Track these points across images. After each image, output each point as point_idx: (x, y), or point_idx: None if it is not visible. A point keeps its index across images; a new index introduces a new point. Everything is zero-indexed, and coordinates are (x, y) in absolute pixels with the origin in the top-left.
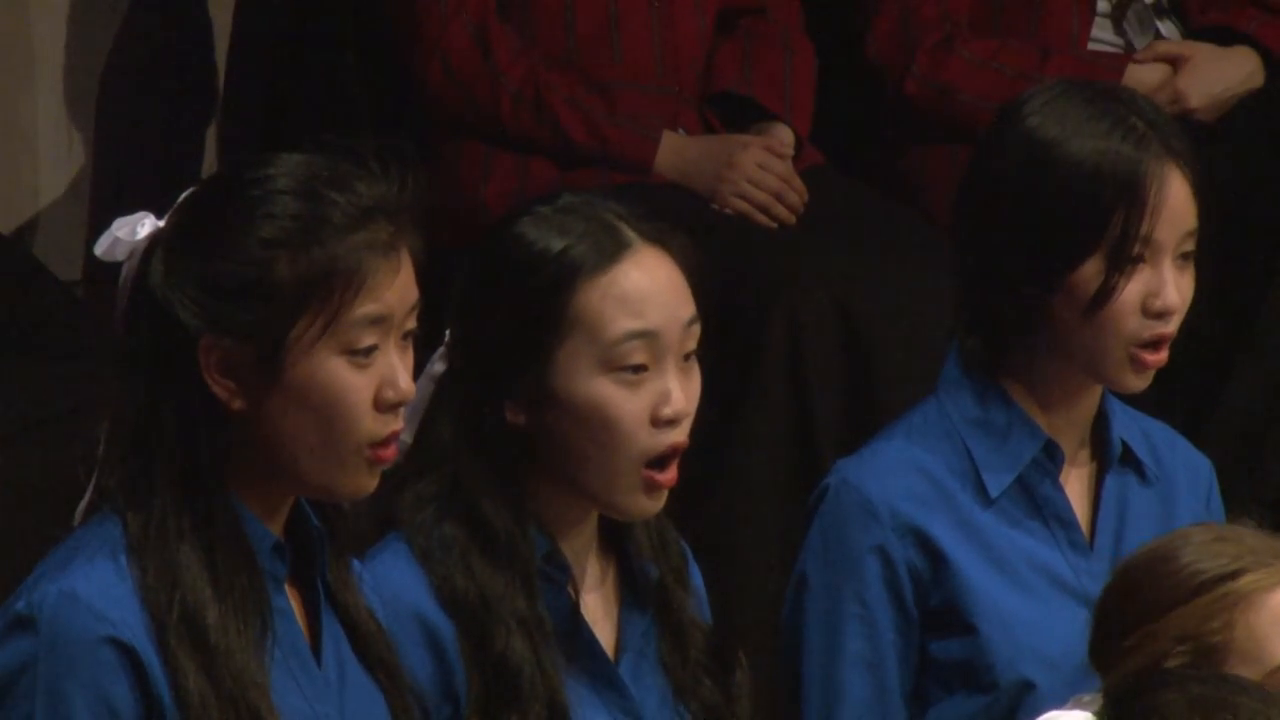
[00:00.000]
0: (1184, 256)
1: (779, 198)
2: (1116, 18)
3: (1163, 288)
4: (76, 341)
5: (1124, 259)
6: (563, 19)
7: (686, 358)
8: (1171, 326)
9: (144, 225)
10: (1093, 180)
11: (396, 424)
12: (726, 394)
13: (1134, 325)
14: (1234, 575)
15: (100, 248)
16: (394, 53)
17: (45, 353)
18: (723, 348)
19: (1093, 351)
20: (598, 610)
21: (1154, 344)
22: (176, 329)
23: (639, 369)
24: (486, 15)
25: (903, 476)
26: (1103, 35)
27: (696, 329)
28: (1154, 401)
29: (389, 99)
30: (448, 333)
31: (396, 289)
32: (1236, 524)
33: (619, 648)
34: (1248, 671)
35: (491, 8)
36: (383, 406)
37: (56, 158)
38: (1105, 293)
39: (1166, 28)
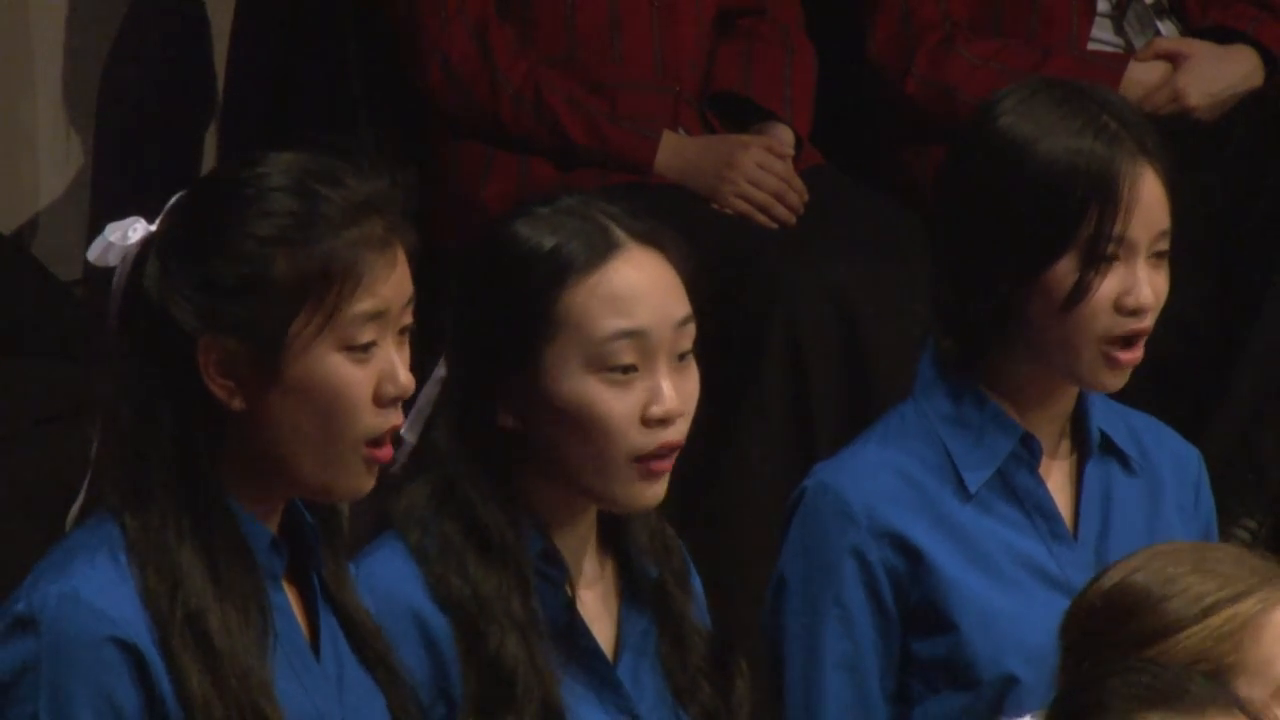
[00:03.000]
0: (1158, 255)
1: (779, 198)
2: (1116, 18)
3: (1136, 285)
4: (76, 341)
5: (1098, 257)
6: (563, 19)
7: (682, 357)
8: (1145, 323)
9: (136, 229)
10: (1066, 179)
11: (396, 419)
12: (726, 394)
13: (1107, 322)
14: (1238, 598)
15: (93, 253)
16: (394, 53)
17: (45, 353)
18: (722, 348)
19: (1066, 350)
20: (596, 609)
21: (1127, 341)
22: (174, 330)
23: (628, 369)
24: (486, 15)
25: (879, 478)
26: (1102, 35)
27: (691, 328)
28: (1154, 401)
29: (389, 99)
30: (450, 339)
31: (392, 284)
32: (1238, 524)
33: (618, 647)
34: (1256, 688)
35: (491, 8)
36: (383, 401)
37: (56, 158)
38: (1079, 290)
39: (1166, 28)
